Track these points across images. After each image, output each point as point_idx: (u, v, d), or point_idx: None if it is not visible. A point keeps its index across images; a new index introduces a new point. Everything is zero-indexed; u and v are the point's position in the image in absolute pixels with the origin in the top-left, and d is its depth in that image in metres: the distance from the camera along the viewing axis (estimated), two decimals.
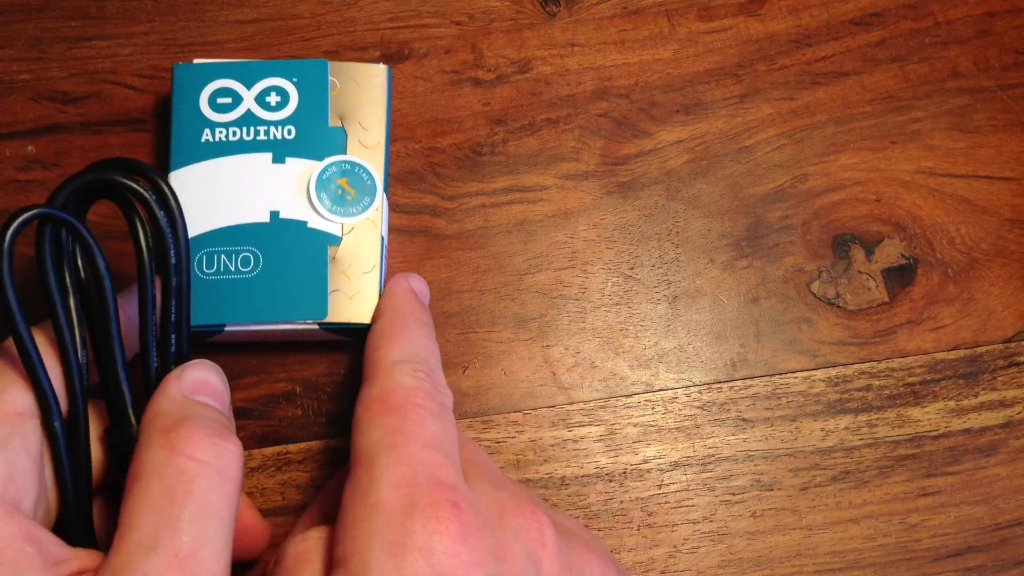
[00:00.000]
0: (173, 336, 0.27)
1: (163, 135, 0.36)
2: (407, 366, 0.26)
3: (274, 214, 0.31)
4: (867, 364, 0.34)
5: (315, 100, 0.32)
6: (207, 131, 0.32)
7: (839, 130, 0.37)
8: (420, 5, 0.38)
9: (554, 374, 0.34)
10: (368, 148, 0.32)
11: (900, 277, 0.35)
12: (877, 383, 0.34)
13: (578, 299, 0.35)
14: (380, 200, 0.31)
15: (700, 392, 0.34)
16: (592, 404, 0.34)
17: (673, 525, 0.33)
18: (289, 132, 0.32)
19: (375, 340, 0.27)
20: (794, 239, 0.36)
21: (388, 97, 0.33)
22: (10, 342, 0.24)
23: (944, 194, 0.36)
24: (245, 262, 0.30)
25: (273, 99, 0.32)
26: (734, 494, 0.33)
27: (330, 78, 0.32)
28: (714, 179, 0.36)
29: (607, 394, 0.34)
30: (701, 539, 0.33)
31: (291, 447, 0.33)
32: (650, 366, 0.34)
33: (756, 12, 0.38)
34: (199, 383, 0.26)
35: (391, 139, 0.35)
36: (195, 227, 0.30)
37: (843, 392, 0.34)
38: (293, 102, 0.32)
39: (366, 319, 0.30)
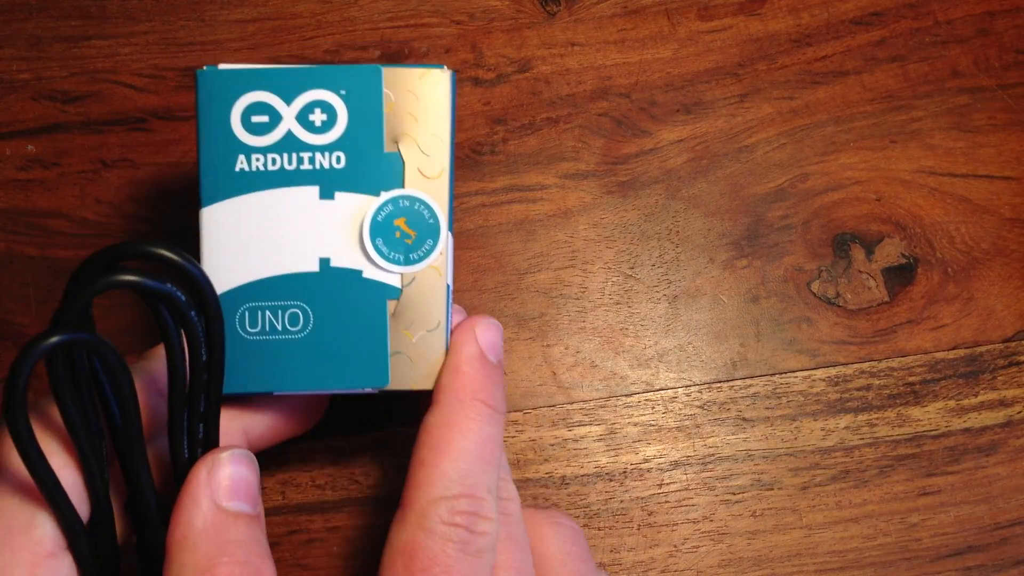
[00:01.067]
0: (201, 425, 0.24)
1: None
2: (445, 507, 0.24)
3: (324, 262, 0.26)
4: (867, 363, 0.34)
5: (368, 119, 0.26)
6: (242, 158, 0.26)
7: (839, 129, 0.37)
8: (420, 4, 0.38)
9: (554, 373, 0.34)
10: (429, 179, 0.26)
11: (900, 276, 0.35)
12: (877, 382, 0.34)
13: (578, 298, 0.35)
14: (444, 242, 0.26)
15: (700, 391, 0.34)
16: (592, 403, 0.34)
17: (673, 524, 0.33)
18: (338, 160, 0.26)
19: (420, 452, 0.25)
20: (794, 238, 0.36)
21: (452, 111, 0.26)
22: (23, 469, 0.22)
23: (944, 193, 0.36)
24: (293, 320, 0.26)
25: (318, 117, 0.26)
26: (734, 493, 0.33)
27: (385, 90, 0.26)
28: (714, 178, 0.36)
29: (607, 393, 0.34)
30: (701, 538, 0.33)
31: (290, 445, 0.33)
32: (650, 365, 0.34)
33: (756, 11, 0.38)
34: (232, 487, 0.24)
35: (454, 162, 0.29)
36: (235, 278, 0.26)
37: (843, 391, 0.34)
38: (342, 121, 0.26)
39: (431, 385, 0.26)
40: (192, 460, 0.24)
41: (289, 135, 0.26)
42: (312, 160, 0.26)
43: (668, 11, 0.38)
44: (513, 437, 0.33)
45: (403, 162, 0.26)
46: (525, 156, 0.36)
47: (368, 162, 0.26)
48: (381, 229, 0.26)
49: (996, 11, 0.38)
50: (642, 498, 0.33)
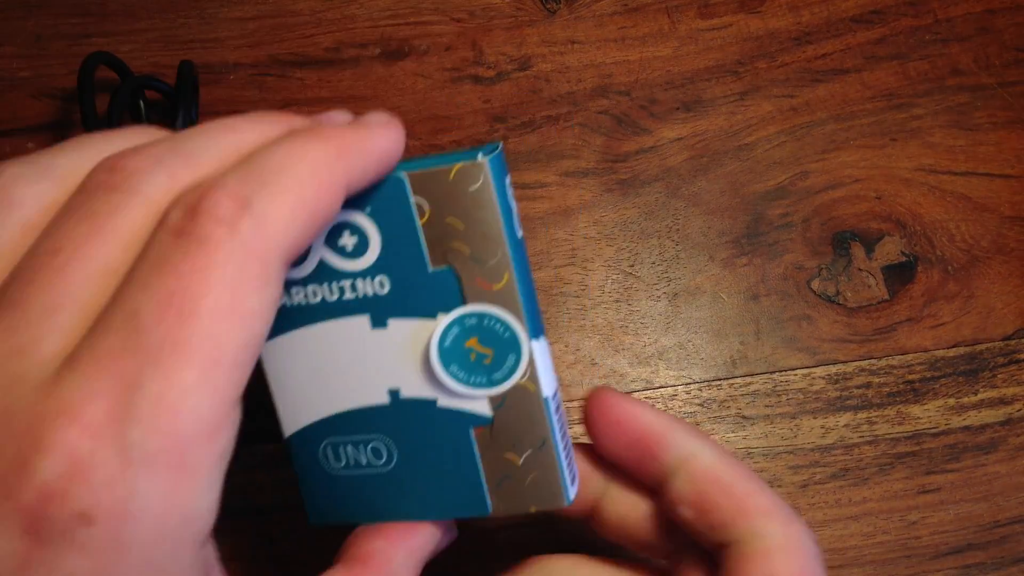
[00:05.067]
0: None
1: None
2: (800, 524, 0.23)
3: (394, 393, 0.24)
4: (867, 361, 0.34)
5: (403, 236, 0.22)
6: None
7: (839, 127, 0.37)
8: (420, 2, 0.38)
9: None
10: (494, 288, 0.22)
11: (900, 274, 0.35)
12: (877, 380, 0.34)
13: (578, 296, 0.35)
14: (530, 352, 0.23)
15: (700, 389, 0.34)
16: None
17: None
18: (381, 285, 0.23)
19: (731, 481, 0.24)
20: (794, 236, 0.36)
21: (505, 201, 0.22)
22: None
23: (944, 191, 0.36)
24: (376, 453, 0.24)
25: (348, 241, 0.23)
26: None
27: (414, 199, 0.22)
28: (714, 176, 0.36)
29: None
30: None
31: None
32: (650, 363, 0.34)
33: (756, 9, 0.38)
34: None
35: (526, 248, 0.24)
36: (309, 414, 0.24)
37: (843, 389, 0.34)
38: (375, 242, 0.23)
39: (557, 504, 0.24)
40: None
41: (323, 264, 0.23)
42: (354, 288, 0.23)
43: (668, 9, 0.38)
44: None
45: (457, 277, 0.22)
46: (525, 154, 0.36)
47: (415, 283, 0.23)
48: (452, 354, 0.23)
49: (996, 9, 0.38)
50: None
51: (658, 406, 0.34)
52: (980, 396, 0.34)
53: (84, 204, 0.17)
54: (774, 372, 0.34)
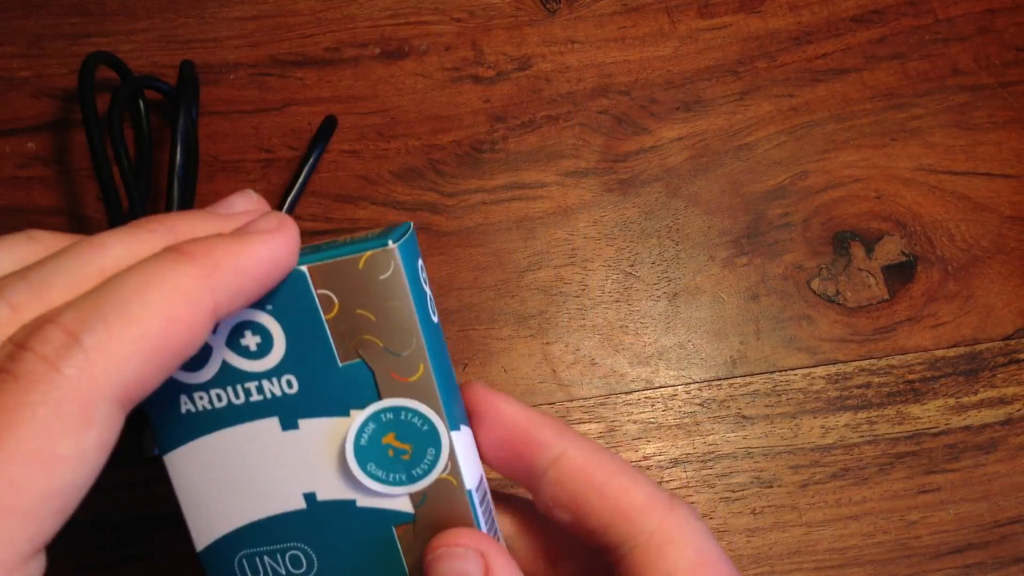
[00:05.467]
0: None
1: None
2: (683, 507, 0.22)
3: (310, 497, 0.22)
4: (867, 361, 0.34)
5: (309, 334, 0.21)
6: (184, 399, 0.22)
7: (839, 127, 0.37)
8: (420, 2, 0.38)
9: (554, 371, 0.34)
10: (409, 380, 0.21)
11: (900, 274, 0.35)
12: (877, 380, 0.34)
13: (578, 296, 0.35)
14: (450, 444, 0.22)
15: (700, 389, 0.34)
16: (592, 401, 0.34)
17: None
18: (289, 385, 0.21)
19: (613, 480, 0.22)
20: (794, 236, 0.36)
21: (416, 285, 0.21)
22: None
23: (944, 191, 0.36)
24: (295, 562, 0.23)
25: (251, 341, 0.21)
26: (734, 491, 0.33)
27: (318, 292, 0.21)
28: (714, 176, 0.36)
29: (607, 391, 0.34)
30: None
31: None
32: (650, 363, 0.34)
33: (756, 9, 0.38)
34: None
35: (442, 333, 0.23)
36: (220, 526, 0.23)
37: (843, 389, 0.34)
38: (280, 341, 0.21)
39: None
40: None
41: (226, 366, 0.21)
42: (260, 389, 0.22)
43: (668, 9, 0.38)
44: None
45: (371, 370, 0.21)
46: (525, 154, 0.36)
47: (325, 380, 0.21)
48: (369, 452, 0.22)
49: (996, 9, 0.38)
50: None
51: (658, 406, 0.34)
52: (980, 396, 0.34)
53: None
54: (774, 372, 0.34)
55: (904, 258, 0.36)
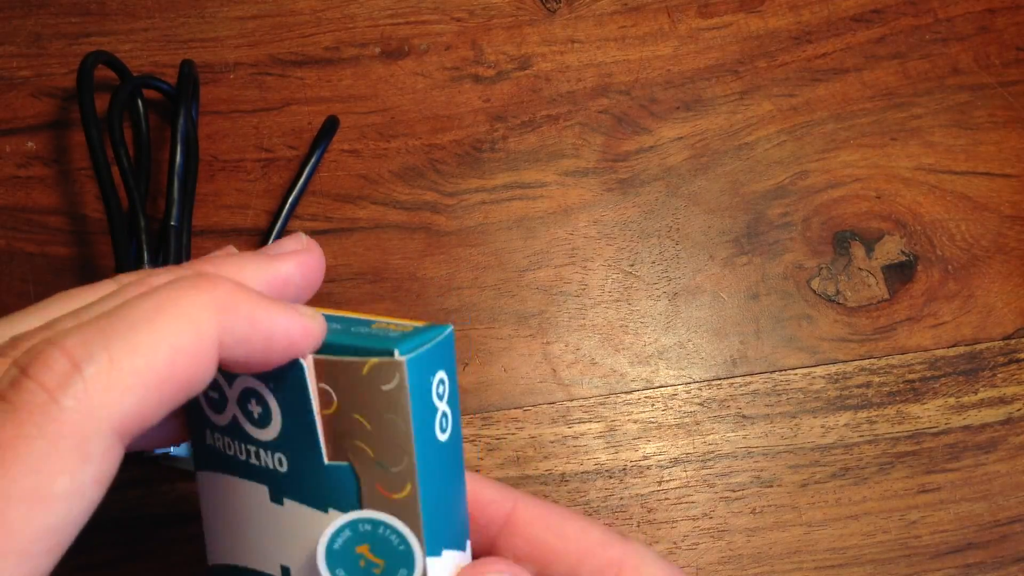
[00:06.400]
0: None
1: None
2: (635, 545, 0.22)
3: (285, 570, 0.22)
4: (867, 361, 0.34)
5: (299, 422, 0.20)
6: (208, 432, 0.22)
7: (839, 127, 0.37)
8: (420, 1, 0.38)
9: (554, 371, 0.34)
10: (394, 497, 0.20)
11: (900, 274, 0.35)
12: (877, 380, 0.34)
13: (578, 296, 0.35)
14: (424, 570, 0.20)
15: (700, 389, 0.34)
16: (592, 401, 0.34)
17: (673, 521, 0.33)
18: (280, 462, 0.21)
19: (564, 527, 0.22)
20: (794, 236, 0.36)
21: (423, 401, 0.19)
22: None
23: (944, 191, 0.36)
24: None
25: (254, 409, 0.21)
26: (734, 491, 0.33)
27: (319, 385, 0.19)
28: (714, 176, 0.36)
29: (607, 391, 0.34)
30: (701, 535, 0.33)
31: None
32: (650, 363, 0.34)
33: (756, 8, 0.38)
34: None
35: (455, 447, 0.22)
36: (222, 554, 0.23)
37: (843, 389, 0.34)
38: (276, 419, 0.20)
39: None
40: None
41: (234, 422, 0.21)
42: (257, 456, 0.21)
43: (668, 8, 0.38)
44: (513, 434, 0.33)
45: (356, 477, 0.20)
46: (525, 153, 0.36)
47: (310, 472, 0.20)
48: (341, 558, 0.20)
49: (996, 8, 0.38)
50: (642, 495, 0.33)
51: (658, 405, 0.34)
52: (980, 395, 0.34)
53: None
54: (774, 371, 0.34)
55: (904, 258, 0.36)
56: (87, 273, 0.35)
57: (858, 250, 0.36)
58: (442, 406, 0.20)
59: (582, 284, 0.35)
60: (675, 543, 0.33)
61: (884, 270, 0.35)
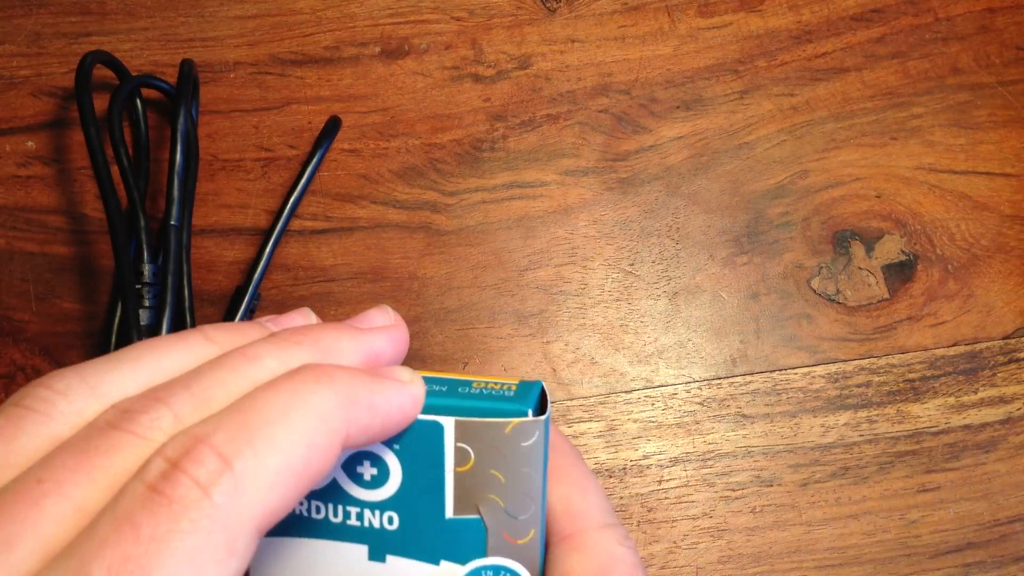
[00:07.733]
0: None
1: None
2: (616, 533, 0.22)
3: None
4: (867, 360, 0.34)
5: (427, 481, 0.21)
6: None
7: (839, 126, 0.37)
8: (420, 1, 0.38)
9: (554, 370, 0.34)
10: (517, 543, 0.21)
11: (900, 273, 0.35)
12: (877, 379, 0.34)
13: (578, 295, 0.35)
14: None
15: (700, 388, 0.34)
16: (592, 400, 0.34)
17: (673, 521, 0.33)
18: (390, 521, 0.22)
19: (561, 487, 0.23)
20: (794, 235, 0.36)
21: (545, 461, 0.21)
22: None
23: (944, 190, 0.36)
24: None
25: (367, 471, 0.21)
26: (734, 490, 0.33)
27: (457, 445, 0.21)
28: (714, 175, 0.36)
29: (607, 390, 0.34)
30: (701, 535, 0.33)
31: None
32: (650, 362, 0.34)
33: (756, 8, 0.38)
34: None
35: None
36: None
37: (843, 388, 0.34)
38: (395, 479, 0.21)
39: None
40: None
41: (335, 485, 0.21)
42: (360, 516, 0.22)
43: (668, 7, 0.38)
44: None
45: (484, 528, 0.21)
46: (525, 153, 0.36)
47: (427, 527, 0.21)
48: None
49: (996, 8, 0.38)
50: (642, 494, 0.33)
51: (658, 405, 0.34)
52: (980, 395, 0.34)
53: (85, 438, 0.17)
54: (774, 371, 0.34)
55: (904, 257, 0.36)
56: (87, 272, 0.35)
57: (858, 249, 0.36)
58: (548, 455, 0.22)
59: (582, 283, 0.35)
60: (675, 542, 0.33)
61: (884, 269, 0.35)
